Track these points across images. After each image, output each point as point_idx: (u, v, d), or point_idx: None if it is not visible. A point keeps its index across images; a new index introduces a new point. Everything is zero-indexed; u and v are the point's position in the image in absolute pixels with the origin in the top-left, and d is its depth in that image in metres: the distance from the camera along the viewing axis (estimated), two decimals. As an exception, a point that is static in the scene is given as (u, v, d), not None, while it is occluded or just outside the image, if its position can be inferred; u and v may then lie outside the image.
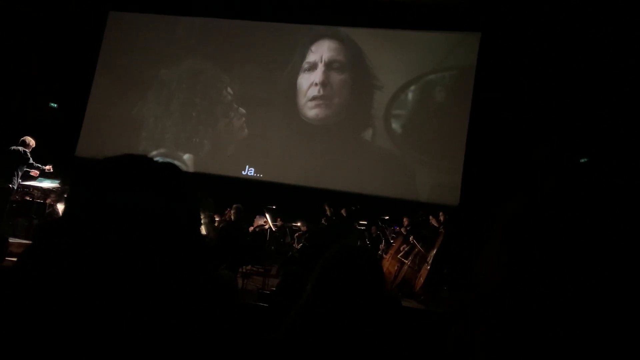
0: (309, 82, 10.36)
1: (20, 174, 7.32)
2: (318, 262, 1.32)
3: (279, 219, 8.67)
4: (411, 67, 9.90)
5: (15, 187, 7.36)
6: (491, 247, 0.51)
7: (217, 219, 8.10)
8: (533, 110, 8.41)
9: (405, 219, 7.94)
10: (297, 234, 8.92)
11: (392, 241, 8.14)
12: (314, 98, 10.28)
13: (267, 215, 8.12)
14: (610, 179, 0.47)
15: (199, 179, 9.34)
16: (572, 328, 0.43)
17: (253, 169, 10.28)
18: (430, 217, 7.72)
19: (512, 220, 0.50)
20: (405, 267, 7.48)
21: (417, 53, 9.88)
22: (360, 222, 8.37)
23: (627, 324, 0.41)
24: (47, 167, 7.55)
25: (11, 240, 6.11)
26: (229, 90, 10.76)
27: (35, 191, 8.01)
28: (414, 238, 7.55)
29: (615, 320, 0.42)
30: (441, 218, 7.57)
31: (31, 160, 7.36)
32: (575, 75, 8.13)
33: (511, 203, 0.51)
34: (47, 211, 7.80)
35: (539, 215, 0.47)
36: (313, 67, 10.39)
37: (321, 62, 10.36)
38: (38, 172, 7.54)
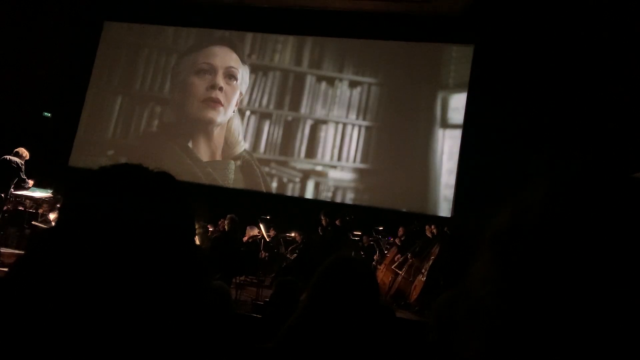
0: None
1: (12, 184, 7.27)
2: (314, 273, 1.32)
3: (272, 229, 8.63)
4: (405, 79, 9.95)
5: (9, 197, 7.30)
6: (481, 261, 0.50)
7: (210, 229, 8.06)
8: (526, 122, 8.45)
9: (400, 229, 7.91)
10: (291, 247, 8.87)
11: (386, 252, 8.12)
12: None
13: (261, 226, 8.08)
14: (602, 187, 0.47)
15: (193, 188, 9.30)
16: (565, 341, 0.43)
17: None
18: (427, 226, 7.69)
19: (502, 231, 0.49)
20: (400, 278, 7.45)
21: (410, 65, 9.93)
22: (355, 233, 8.35)
23: (620, 336, 0.42)
24: (30, 182, 7.51)
25: (3, 250, 6.06)
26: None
27: (28, 201, 7.95)
28: (405, 251, 7.53)
29: (608, 333, 0.42)
30: (434, 230, 7.55)
31: (23, 176, 7.31)
32: (569, 87, 8.19)
33: (500, 214, 0.51)
34: (39, 221, 7.74)
35: (529, 225, 0.47)
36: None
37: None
38: (32, 182, 7.51)
